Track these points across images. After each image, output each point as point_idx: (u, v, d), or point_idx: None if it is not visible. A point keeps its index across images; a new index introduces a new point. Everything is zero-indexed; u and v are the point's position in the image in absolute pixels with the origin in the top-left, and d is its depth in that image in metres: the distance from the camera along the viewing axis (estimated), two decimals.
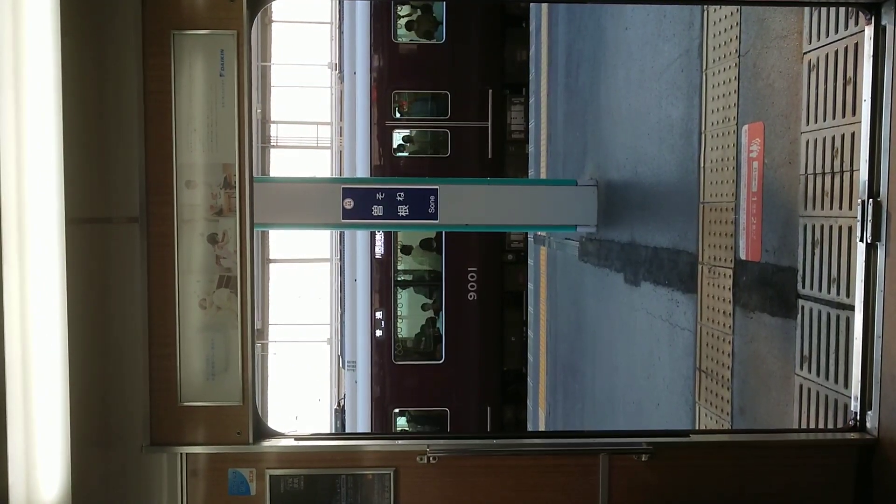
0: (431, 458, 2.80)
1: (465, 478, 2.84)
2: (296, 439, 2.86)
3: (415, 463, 2.82)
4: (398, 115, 12.79)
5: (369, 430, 12.62)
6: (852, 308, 3.13)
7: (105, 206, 2.64)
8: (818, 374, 3.82)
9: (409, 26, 12.99)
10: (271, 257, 23.09)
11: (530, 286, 12.59)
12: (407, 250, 13.21)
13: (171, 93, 2.68)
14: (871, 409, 2.89)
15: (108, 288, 2.65)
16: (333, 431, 15.70)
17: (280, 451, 2.82)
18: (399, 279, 13.04)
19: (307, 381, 24.29)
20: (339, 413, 15.57)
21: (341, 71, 14.45)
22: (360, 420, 12.89)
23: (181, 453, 2.78)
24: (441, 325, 12.95)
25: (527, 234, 12.59)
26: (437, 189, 7.97)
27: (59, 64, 2.19)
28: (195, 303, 2.75)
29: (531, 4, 12.37)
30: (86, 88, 2.49)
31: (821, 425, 3.77)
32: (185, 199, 2.72)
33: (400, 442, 2.90)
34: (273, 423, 2.95)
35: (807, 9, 3.94)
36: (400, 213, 7.92)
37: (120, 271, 2.68)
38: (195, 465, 2.80)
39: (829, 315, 3.74)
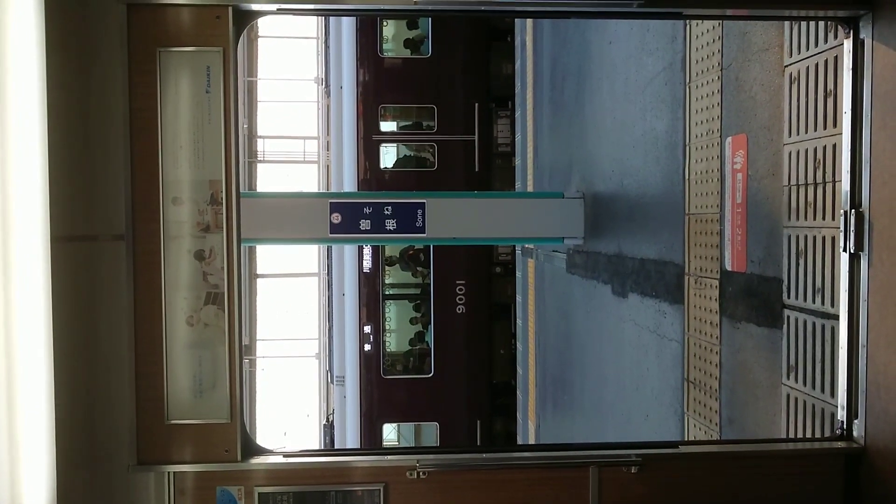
0: (421, 473, 2.79)
1: (456, 492, 2.83)
2: (284, 456, 2.84)
3: (405, 478, 2.80)
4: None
5: (358, 446, 12.53)
6: (837, 318, 3.16)
7: (91, 223, 2.64)
8: (805, 384, 3.84)
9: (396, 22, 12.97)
10: (259, 272, 22.96)
11: (518, 299, 12.60)
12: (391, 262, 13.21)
13: (157, 109, 2.68)
14: (857, 417, 2.91)
15: (94, 306, 2.64)
16: (322, 447, 15.59)
17: (269, 469, 2.80)
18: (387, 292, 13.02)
19: (296, 397, 24.12)
20: (328, 429, 15.46)
21: (328, 85, 14.47)
22: (350, 435, 12.81)
23: (168, 472, 2.76)
24: (430, 338, 12.93)
25: (514, 246, 12.62)
26: (424, 203, 7.98)
27: (45, 81, 2.19)
28: (182, 320, 2.73)
29: (516, 19, 12.46)
30: (71, 105, 2.49)
31: (808, 434, 3.79)
32: (172, 215, 2.71)
33: (389, 457, 2.89)
34: (261, 439, 2.93)
35: (787, 23, 4.00)
36: (387, 227, 7.92)
37: (106, 289, 2.67)
38: (183, 483, 2.77)
39: (814, 325, 3.77)
